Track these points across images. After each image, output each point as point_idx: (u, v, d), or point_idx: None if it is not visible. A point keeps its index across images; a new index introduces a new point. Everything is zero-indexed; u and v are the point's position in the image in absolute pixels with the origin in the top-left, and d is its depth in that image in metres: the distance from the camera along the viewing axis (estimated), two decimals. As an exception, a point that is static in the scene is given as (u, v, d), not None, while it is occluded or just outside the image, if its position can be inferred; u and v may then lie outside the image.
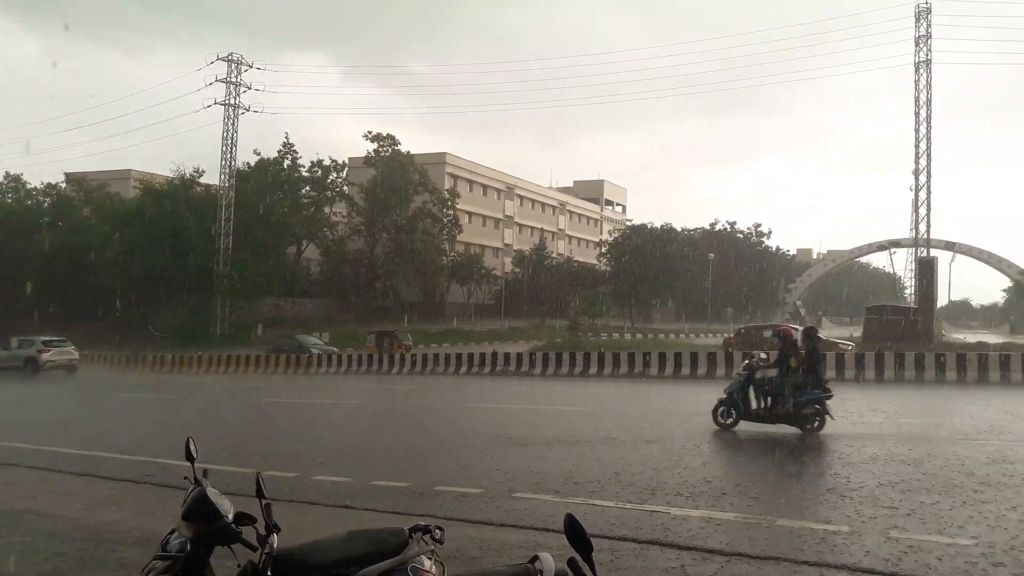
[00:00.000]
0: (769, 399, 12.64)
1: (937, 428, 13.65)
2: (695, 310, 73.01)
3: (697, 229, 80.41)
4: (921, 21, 44.70)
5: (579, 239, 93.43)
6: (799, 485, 8.36)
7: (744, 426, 12.87)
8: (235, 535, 3.09)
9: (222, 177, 50.75)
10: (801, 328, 15.13)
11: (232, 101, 49.99)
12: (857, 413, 14.71)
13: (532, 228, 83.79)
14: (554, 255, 79.08)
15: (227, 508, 3.15)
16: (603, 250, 77.40)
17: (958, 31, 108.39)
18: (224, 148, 50.54)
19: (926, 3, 44.44)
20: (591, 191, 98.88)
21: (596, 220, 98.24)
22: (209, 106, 49.67)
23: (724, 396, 12.98)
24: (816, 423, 12.15)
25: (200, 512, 3.10)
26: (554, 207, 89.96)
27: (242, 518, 3.17)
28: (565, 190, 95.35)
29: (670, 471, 9.36)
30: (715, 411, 13.06)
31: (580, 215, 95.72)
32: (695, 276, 70.66)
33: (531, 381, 25.89)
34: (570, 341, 39.53)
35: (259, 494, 3.15)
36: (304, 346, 37.48)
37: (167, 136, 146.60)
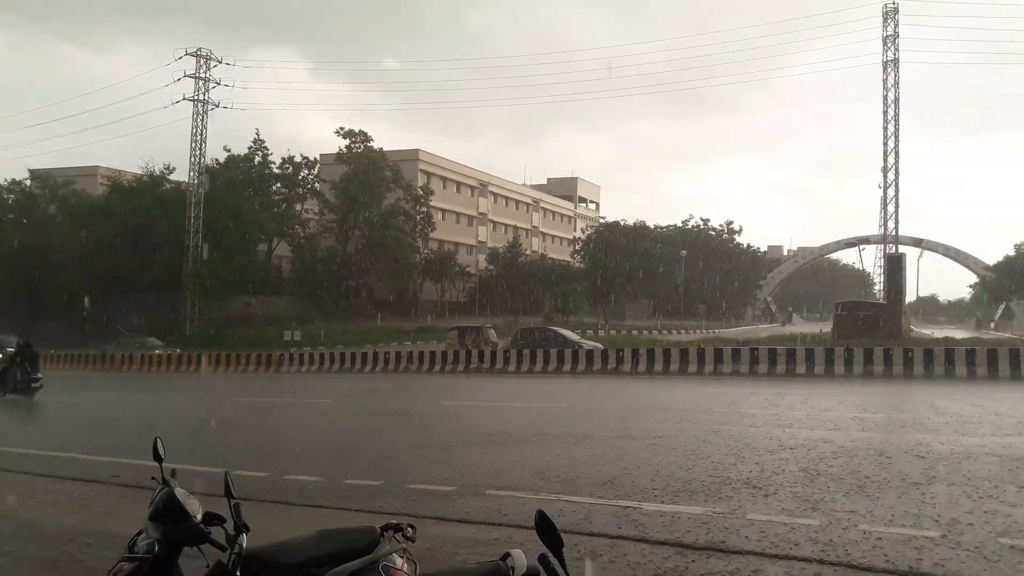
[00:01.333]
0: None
1: (899, 420, 13.89)
2: (668, 307, 73.48)
3: (670, 227, 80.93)
4: (889, 21, 45.46)
5: (553, 236, 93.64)
6: (765, 479, 8.45)
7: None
8: (204, 535, 3.05)
9: (191, 174, 50.20)
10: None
11: (201, 97, 49.44)
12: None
13: (506, 225, 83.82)
14: (528, 252, 79.14)
15: (195, 508, 3.12)
16: (577, 247, 77.63)
17: (924, 31, 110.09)
18: (193, 145, 50.00)
19: (893, 3, 45.19)
20: (565, 188, 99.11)
21: (570, 217, 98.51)
22: (177, 102, 49.18)
23: None
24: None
25: (168, 512, 3.06)
26: (528, 204, 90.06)
27: (211, 518, 3.14)
28: (539, 187, 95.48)
29: (643, 466, 9.42)
30: None
31: (554, 212, 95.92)
32: (668, 273, 71.11)
33: (505, 378, 25.93)
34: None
35: (228, 494, 3.13)
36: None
37: (135, 133, 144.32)
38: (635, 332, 53.59)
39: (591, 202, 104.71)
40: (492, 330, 37.69)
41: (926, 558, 5.69)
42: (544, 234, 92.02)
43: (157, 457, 3.38)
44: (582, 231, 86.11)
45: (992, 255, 75.80)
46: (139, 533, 3.19)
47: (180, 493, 3.12)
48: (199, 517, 3.09)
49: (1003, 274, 65.66)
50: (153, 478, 3.30)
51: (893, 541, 6.11)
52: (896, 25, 45.13)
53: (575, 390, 21.60)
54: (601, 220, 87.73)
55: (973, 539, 6.11)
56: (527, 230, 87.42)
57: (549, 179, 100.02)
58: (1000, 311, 70.08)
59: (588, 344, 31.07)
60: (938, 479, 8.31)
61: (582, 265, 73.18)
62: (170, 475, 3.27)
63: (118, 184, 54.25)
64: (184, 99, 49.07)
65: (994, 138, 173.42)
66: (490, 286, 69.03)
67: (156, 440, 3.41)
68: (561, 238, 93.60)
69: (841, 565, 5.59)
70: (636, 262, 67.86)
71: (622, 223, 75.02)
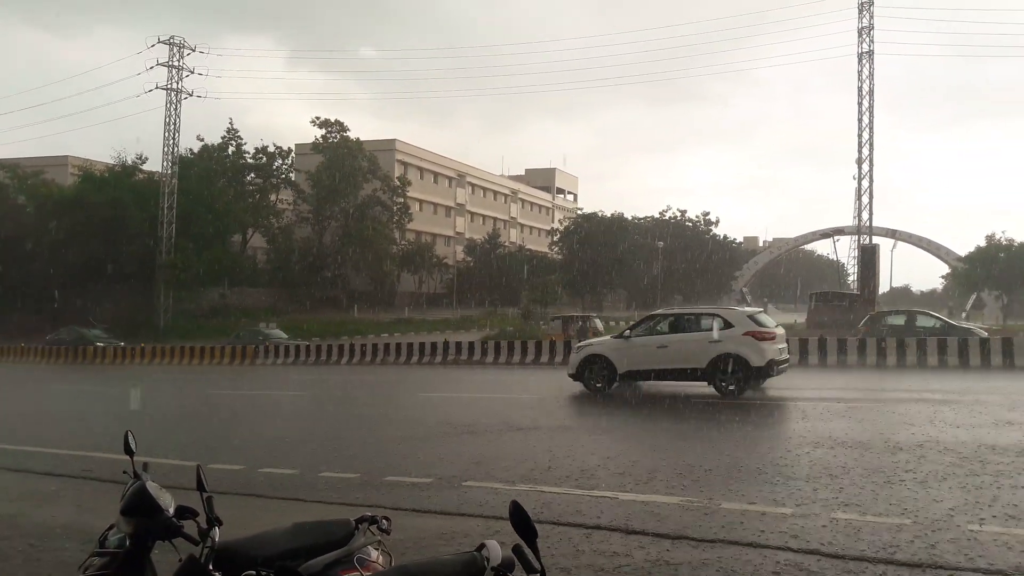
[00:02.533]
0: None
1: (872, 409, 14.08)
2: (645, 297, 73.86)
3: (647, 218, 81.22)
4: (864, 12, 45.79)
5: (531, 227, 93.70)
6: (739, 468, 8.54)
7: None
8: (176, 529, 3.02)
9: (164, 164, 49.57)
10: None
11: (174, 85, 48.77)
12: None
13: (484, 216, 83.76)
14: (506, 243, 79.16)
15: (168, 502, 3.09)
16: (555, 238, 77.74)
17: (900, 23, 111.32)
18: (167, 134, 49.32)
19: (869, -5, 45.50)
20: (543, 179, 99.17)
21: (548, 208, 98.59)
22: (150, 91, 48.47)
23: None
24: None
25: (140, 506, 3.03)
26: (506, 195, 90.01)
27: (183, 512, 3.11)
28: (517, 178, 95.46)
29: (619, 457, 9.48)
30: None
31: (532, 203, 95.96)
32: (645, 264, 71.45)
33: (483, 370, 25.92)
34: (522, 329, 39.62)
35: (200, 487, 3.10)
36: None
37: (107, 122, 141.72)
38: (612, 323, 53.81)
39: (569, 193, 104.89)
40: (598, 320, 35.48)
41: (897, 545, 5.78)
42: (522, 225, 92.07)
43: (128, 451, 3.35)
44: (560, 222, 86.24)
45: (964, 246, 77.04)
46: (110, 528, 3.15)
47: (152, 487, 3.09)
48: (171, 511, 3.06)
49: (974, 265, 66.65)
50: (125, 472, 3.27)
51: (865, 528, 6.20)
52: (871, 17, 45.48)
53: (551, 381, 21.62)
54: (579, 211, 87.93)
55: (947, 526, 6.22)
56: (505, 221, 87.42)
57: (527, 170, 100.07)
58: (971, 301, 71.13)
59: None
60: (910, 468, 8.43)
61: (560, 256, 73.34)
62: (142, 469, 3.24)
63: (90, 174, 53.41)
64: (157, 88, 48.42)
65: (968, 130, 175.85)
66: (468, 277, 68.98)
67: (127, 434, 3.38)
68: (539, 229, 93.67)
69: (812, 553, 5.66)
70: (614, 253, 68.08)
71: (600, 214, 75.26)
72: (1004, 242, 65.65)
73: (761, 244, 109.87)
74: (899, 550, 5.68)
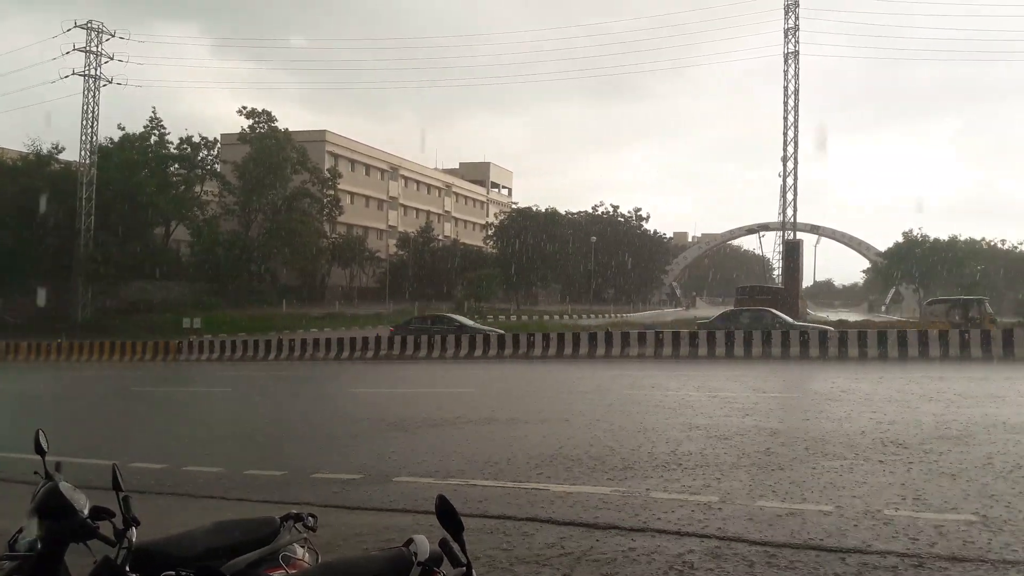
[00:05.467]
0: None
1: (795, 399, 14.57)
2: (578, 292, 74.63)
3: (581, 213, 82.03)
4: (790, 14, 47.17)
5: (466, 221, 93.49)
6: (668, 458, 8.71)
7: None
8: (91, 531, 2.92)
9: (82, 153, 47.70)
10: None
11: (92, 72, 46.93)
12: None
13: (417, 210, 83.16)
14: (440, 237, 78.81)
15: (82, 503, 2.98)
16: (489, 233, 77.78)
17: (824, 25, 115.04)
18: (84, 122, 47.50)
19: (794, -4, 46.86)
20: (477, 173, 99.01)
21: (482, 202, 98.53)
22: (66, 77, 46.61)
23: None
24: None
25: (52, 508, 2.92)
26: (440, 189, 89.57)
27: (98, 513, 3.01)
28: (451, 172, 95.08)
29: (549, 448, 9.55)
30: None
31: (466, 197, 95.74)
32: (579, 259, 72.16)
33: (416, 365, 25.80)
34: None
35: (115, 486, 3.00)
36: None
37: (19, 108, 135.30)
38: (546, 317, 54.23)
39: (503, 187, 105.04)
40: (987, 302, 32.06)
41: (817, 529, 5.99)
42: (456, 219, 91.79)
43: (40, 450, 3.22)
44: (495, 216, 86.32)
45: (884, 242, 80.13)
46: (20, 531, 3.03)
47: (65, 487, 2.98)
48: (86, 512, 2.96)
49: (893, 260, 69.53)
50: (36, 473, 3.15)
51: (788, 515, 6.40)
52: (796, 18, 46.92)
53: (484, 375, 21.70)
54: (514, 205, 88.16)
55: (862, 509, 6.47)
56: (439, 215, 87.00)
57: (461, 163, 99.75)
58: (890, 295, 74.16)
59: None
60: (831, 455, 8.74)
61: (495, 251, 73.43)
62: (54, 469, 3.12)
63: (1, 163, 50.97)
64: (74, 74, 46.56)
65: (888, 130, 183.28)
66: (401, 272, 68.40)
67: (38, 432, 3.25)
68: (474, 223, 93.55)
69: (738, 540, 5.82)
70: (548, 248, 68.54)
71: (534, 209, 75.64)
72: (920, 238, 68.64)
73: (691, 239, 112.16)
74: (814, 534, 5.88)
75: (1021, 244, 71.47)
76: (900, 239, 71.31)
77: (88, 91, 47.12)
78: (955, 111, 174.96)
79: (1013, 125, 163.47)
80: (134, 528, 2.89)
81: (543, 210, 75.16)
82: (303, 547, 3.09)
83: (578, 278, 74.19)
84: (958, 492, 6.95)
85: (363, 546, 5.67)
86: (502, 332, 28.97)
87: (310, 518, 3.11)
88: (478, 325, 32.50)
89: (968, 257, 66.26)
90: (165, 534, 3.08)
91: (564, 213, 78.74)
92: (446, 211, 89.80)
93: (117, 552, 2.85)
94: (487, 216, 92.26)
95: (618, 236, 77.50)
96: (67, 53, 46.09)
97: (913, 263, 65.80)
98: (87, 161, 47.38)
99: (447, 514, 2.35)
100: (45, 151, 52.35)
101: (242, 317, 45.98)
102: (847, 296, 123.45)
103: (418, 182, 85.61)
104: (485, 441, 10.34)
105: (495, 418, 12.44)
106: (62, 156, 52.64)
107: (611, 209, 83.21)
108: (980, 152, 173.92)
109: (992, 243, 74.21)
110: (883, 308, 74.22)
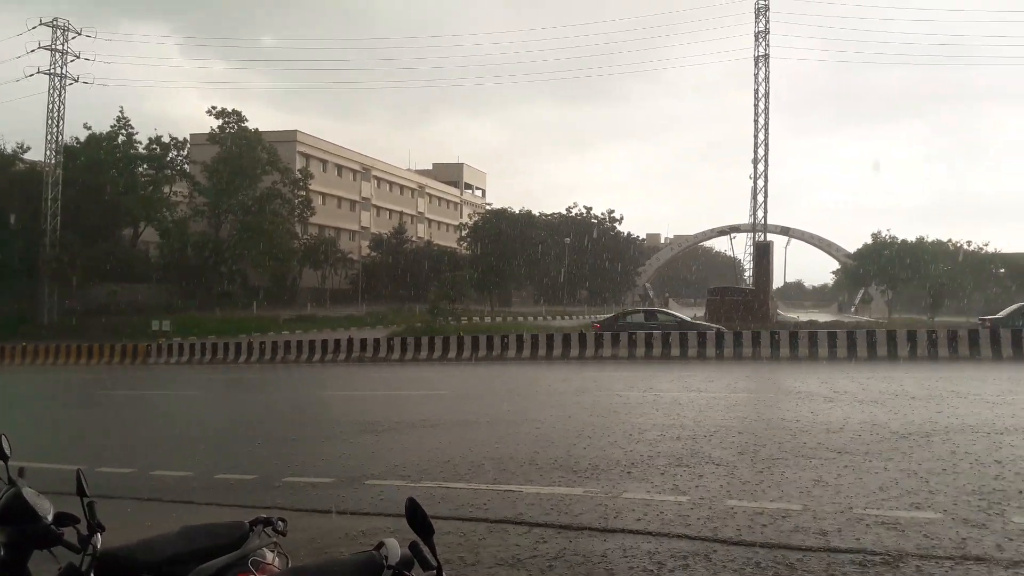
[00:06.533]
0: None
1: (766, 399, 14.70)
2: (552, 293, 74.70)
3: (555, 214, 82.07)
4: (760, 17, 47.72)
5: (439, 223, 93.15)
6: (641, 459, 8.76)
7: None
8: (55, 537, 2.87)
9: (47, 153, 46.87)
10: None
11: (58, 70, 46.15)
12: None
13: (390, 211, 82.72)
14: (413, 239, 78.46)
15: (46, 508, 2.93)
16: (463, 234, 77.61)
17: (794, 28, 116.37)
18: (50, 122, 46.67)
19: (765, 0, 47.41)
20: (450, 174, 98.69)
21: (456, 203, 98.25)
22: (31, 75, 45.77)
23: None
24: None
25: (15, 514, 2.87)
26: (413, 190, 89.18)
27: (63, 519, 2.96)
28: (424, 173, 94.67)
29: (522, 450, 9.55)
30: None
31: (440, 198, 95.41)
32: (552, 260, 72.24)
33: (389, 367, 25.66)
34: (430, 325, 39.38)
35: (80, 492, 2.95)
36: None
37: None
38: (520, 318, 54.23)
39: (477, 188, 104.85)
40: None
41: (788, 529, 6.05)
42: (430, 220, 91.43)
43: (2, 455, 3.16)
44: (469, 217, 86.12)
45: (853, 243, 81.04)
46: (-19, 537, 2.96)
47: (28, 493, 2.93)
48: (50, 518, 2.91)
49: (862, 261, 70.30)
50: (-1, 479, 3.08)
51: (758, 514, 6.46)
52: (767, 22, 47.51)
53: (457, 377, 21.66)
54: (487, 207, 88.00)
55: (833, 508, 6.54)
56: (412, 216, 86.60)
57: (435, 164, 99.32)
58: (860, 296, 75.02)
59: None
60: (802, 455, 8.84)
61: (469, 252, 73.27)
62: (17, 474, 3.07)
63: (-37, 163, 49.93)
64: (39, 72, 45.73)
65: (858, 132, 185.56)
66: (374, 273, 67.97)
67: (0, 437, 3.18)
68: (447, 224, 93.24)
69: (709, 540, 5.86)
70: (522, 249, 68.53)
71: (508, 210, 75.58)
72: (889, 239, 69.58)
73: (663, 241, 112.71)
74: (785, 534, 5.94)
75: (986, 245, 72.55)
76: (869, 240, 72.22)
77: (54, 90, 46.38)
78: (923, 114, 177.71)
79: (979, 128, 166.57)
80: (99, 534, 2.84)
81: (517, 211, 75.16)
82: (273, 552, 3.06)
83: (552, 279, 74.27)
84: (928, 490, 7.06)
85: (334, 550, 5.63)
86: (723, 329, 27.08)
87: (280, 522, 3.09)
88: (694, 321, 30.63)
89: (935, 258, 67.30)
90: (131, 540, 3.03)
91: (538, 214, 78.84)
92: (419, 212, 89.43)
93: (82, 559, 2.80)
94: (461, 217, 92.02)
95: (592, 237, 77.71)
96: (32, 51, 45.39)
97: (881, 264, 66.67)
98: (52, 161, 46.60)
99: (417, 517, 2.34)
100: (9, 150, 51.40)
101: (212, 319, 45.43)
102: (818, 297, 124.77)
103: (391, 183, 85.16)
104: (458, 444, 10.31)
105: (468, 420, 12.42)
106: (27, 156, 51.77)
107: (585, 211, 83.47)
108: (947, 154, 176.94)
109: (958, 244, 75.41)
110: (853, 309, 75.11)
